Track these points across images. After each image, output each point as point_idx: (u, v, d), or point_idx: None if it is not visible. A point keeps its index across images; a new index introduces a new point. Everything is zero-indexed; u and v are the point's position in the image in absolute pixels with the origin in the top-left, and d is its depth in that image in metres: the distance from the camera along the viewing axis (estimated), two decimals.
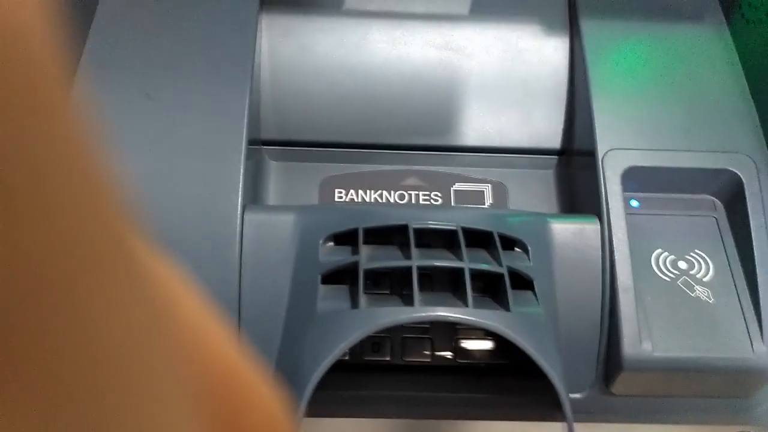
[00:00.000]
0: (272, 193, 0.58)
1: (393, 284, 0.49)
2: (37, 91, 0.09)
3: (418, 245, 0.48)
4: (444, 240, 0.49)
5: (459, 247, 0.47)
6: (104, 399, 0.10)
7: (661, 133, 0.54)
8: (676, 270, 0.53)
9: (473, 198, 0.59)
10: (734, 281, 0.52)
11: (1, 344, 0.09)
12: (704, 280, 0.52)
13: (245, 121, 0.52)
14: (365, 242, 0.48)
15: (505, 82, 0.59)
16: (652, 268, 0.53)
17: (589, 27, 0.57)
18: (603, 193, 0.52)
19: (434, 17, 0.59)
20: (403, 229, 0.48)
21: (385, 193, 0.58)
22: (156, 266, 0.14)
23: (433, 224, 0.48)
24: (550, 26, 0.59)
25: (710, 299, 0.51)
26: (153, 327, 0.12)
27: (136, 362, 0.11)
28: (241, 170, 0.51)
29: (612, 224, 0.51)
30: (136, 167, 0.50)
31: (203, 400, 0.16)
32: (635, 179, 0.54)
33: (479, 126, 0.59)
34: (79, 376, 0.10)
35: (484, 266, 0.46)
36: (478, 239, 0.50)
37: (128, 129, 0.51)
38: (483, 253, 0.49)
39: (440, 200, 0.59)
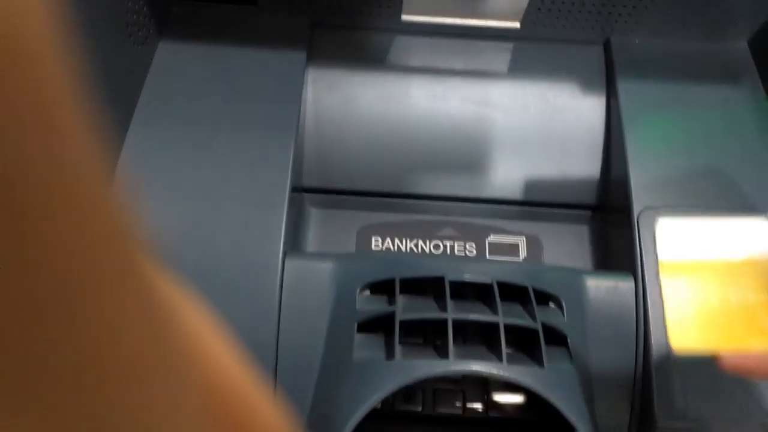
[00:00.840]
0: (312, 239, 0.60)
1: (427, 334, 0.50)
2: (44, 108, 0.09)
3: (454, 297, 0.49)
4: (479, 292, 0.50)
5: (494, 300, 0.48)
6: (116, 411, 0.11)
7: (695, 193, 0.54)
8: None
9: (508, 250, 0.60)
10: None
11: (18, 356, 0.09)
12: None
13: (290, 171, 0.54)
14: (401, 292, 0.50)
15: (542, 137, 0.60)
16: None
17: (625, 86, 0.59)
18: (638, 252, 0.53)
19: (473, 73, 0.61)
20: (440, 280, 0.49)
21: (420, 242, 0.60)
22: (164, 287, 0.14)
23: (468, 277, 0.49)
24: (586, 85, 0.60)
25: None
26: (161, 344, 0.12)
27: (145, 376, 0.11)
28: (284, 218, 0.52)
29: (647, 283, 0.52)
30: (184, 213, 0.52)
31: (210, 414, 0.16)
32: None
33: (515, 179, 0.60)
34: (91, 390, 0.10)
35: (518, 321, 0.47)
36: (513, 293, 0.50)
37: (179, 176, 0.54)
38: (518, 307, 0.50)
39: (475, 251, 0.60)
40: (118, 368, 0.11)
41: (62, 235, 0.09)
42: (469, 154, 0.60)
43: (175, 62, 0.59)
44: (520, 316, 0.48)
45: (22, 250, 0.09)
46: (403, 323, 0.47)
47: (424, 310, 0.48)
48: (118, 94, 0.55)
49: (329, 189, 0.60)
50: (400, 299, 0.49)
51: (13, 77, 0.08)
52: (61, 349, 0.09)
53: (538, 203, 0.61)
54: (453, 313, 0.47)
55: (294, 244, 0.57)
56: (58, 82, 0.09)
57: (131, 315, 0.11)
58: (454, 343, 0.45)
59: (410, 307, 0.48)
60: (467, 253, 0.60)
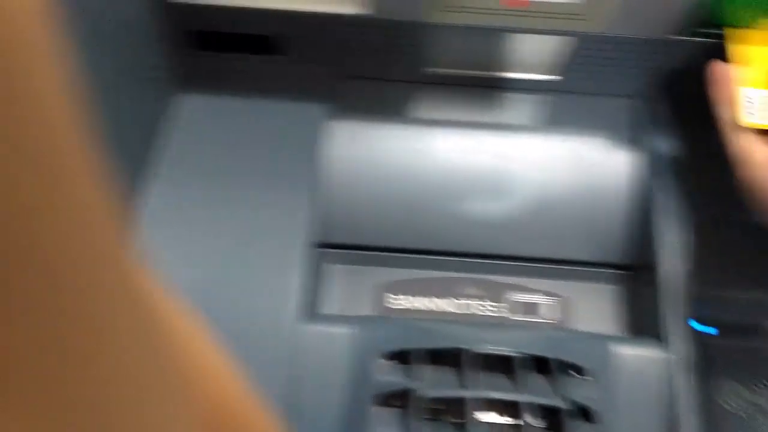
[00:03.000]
0: (331, 297, 0.59)
1: (447, 406, 0.48)
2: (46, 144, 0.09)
3: (475, 365, 0.48)
4: (502, 361, 0.49)
5: (515, 372, 0.46)
6: (115, 424, 0.11)
7: (729, 258, 0.52)
8: (745, 402, 0.50)
9: (532, 310, 0.58)
10: None
11: (23, 377, 0.09)
12: None
13: (306, 229, 0.53)
14: (420, 361, 0.48)
15: (568, 194, 0.58)
16: (722, 401, 0.50)
17: (654, 144, 0.57)
18: (667, 318, 0.51)
19: (498, 127, 0.60)
20: (459, 351, 0.48)
21: (441, 301, 0.58)
22: (164, 305, 0.15)
23: (490, 349, 0.48)
24: (613, 140, 0.58)
25: None
26: (160, 360, 0.13)
27: (145, 391, 0.12)
28: (299, 280, 0.51)
29: (675, 352, 0.50)
30: (195, 272, 0.51)
31: (208, 428, 0.16)
32: (701, 304, 0.52)
33: (540, 237, 0.59)
34: (91, 404, 0.11)
35: (541, 400, 0.45)
36: (536, 363, 0.49)
37: (193, 233, 0.53)
38: (541, 380, 0.48)
39: (497, 311, 0.58)
40: (117, 383, 0.11)
41: (67, 258, 0.10)
42: (493, 209, 0.59)
43: (196, 115, 0.58)
44: (543, 390, 0.47)
45: (27, 275, 0.09)
46: (421, 398, 0.45)
47: (442, 385, 0.46)
48: (136, 146, 0.55)
49: (350, 245, 0.59)
50: (418, 372, 0.47)
51: (18, 119, 0.09)
52: (62, 363, 0.10)
53: (563, 261, 0.59)
54: (472, 389, 0.45)
55: (313, 302, 0.56)
56: (62, 125, 0.10)
57: (132, 333, 0.12)
58: (476, 412, 0.44)
59: (428, 381, 0.46)
60: (490, 311, 0.58)
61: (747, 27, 0.47)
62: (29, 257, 0.09)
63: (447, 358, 0.49)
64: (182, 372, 0.14)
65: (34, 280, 0.09)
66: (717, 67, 0.46)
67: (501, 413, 0.47)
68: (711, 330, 0.52)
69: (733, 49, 0.47)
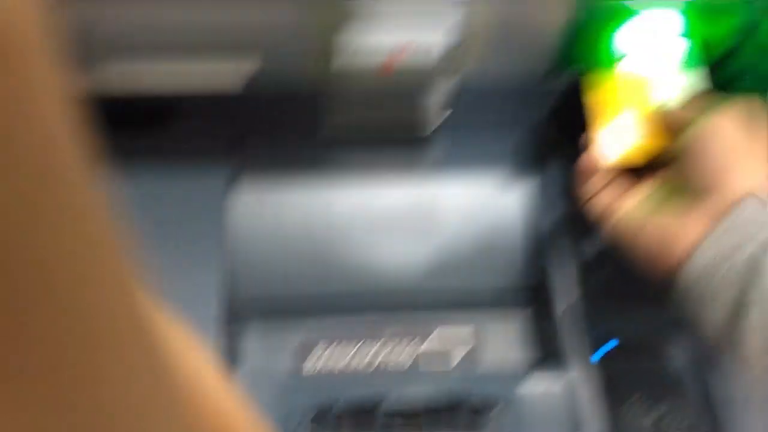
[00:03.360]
0: (250, 356, 0.59)
1: None
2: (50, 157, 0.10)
3: (390, 422, 0.50)
4: (412, 416, 0.50)
5: (427, 423, 0.48)
6: None
7: (620, 283, 0.55)
8: (649, 418, 0.53)
9: (445, 351, 0.60)
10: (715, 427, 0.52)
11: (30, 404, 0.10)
12: (680, 427, 0.53)
13: (218, 292, 0.54)
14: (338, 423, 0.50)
15: (468, 233, 0.60)
16: (626, 418, 0.53)
17: (543, 179, 0.59)
18: (567, 346, 0.53)
19: (396, 178, 0.61)
20: (374, 409, 0.49)
21: (358, 353, 0.59)
22: (166, 327, 0.16)
23: (401, 407, 0.49)
24: (505, 181, 0.60)
25: None
26: (164, 388, 0.13)
27: (149, 419, 0.12)
28: (214, 344, 0.52)
29: (578, 377, 0.52)
30: None
31: None
32: (599, 328, 0.55)
33: (446, 278, 0.60)
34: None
35: None
36: (449, 408, 0.51)
37: None
38: (452, 427, 0.50)
39: (413, 353, 0.59)
40: (123, 412, 0.11)
41: (74, 288, 0.10)
42: (400, 258, 0.60)
43: None
44: None
45: (36, 304, 0.09)
46: None
47: None
48: None
49: (263, 308, 0.60)
50: None
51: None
52: (65, 384, 0.10)
53: (471, 300, 0.61)
54: None
55: (230, 366, 0.56)
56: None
57: (138, 362, 0.12)
58: None
59: None
60: (406, 356, 0.59)
61: (602, 68, 0.50)
62: (29, 272, 0.09)
63: (363, 415, 0.50)
64: (187, 401, 0.15)
65: (34, 298, 0.09)
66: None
67: None
68: (609, 347, 0.55)
69: (592, 92, 0.50)
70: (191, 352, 0.18)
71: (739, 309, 0.40)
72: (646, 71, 0.50)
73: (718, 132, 0.43)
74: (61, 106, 0.10)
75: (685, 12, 0.49)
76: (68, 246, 0.10)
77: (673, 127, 0.46)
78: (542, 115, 0.57)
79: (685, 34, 0.50)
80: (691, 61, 0.50)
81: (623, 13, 0.49)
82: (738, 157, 0.42)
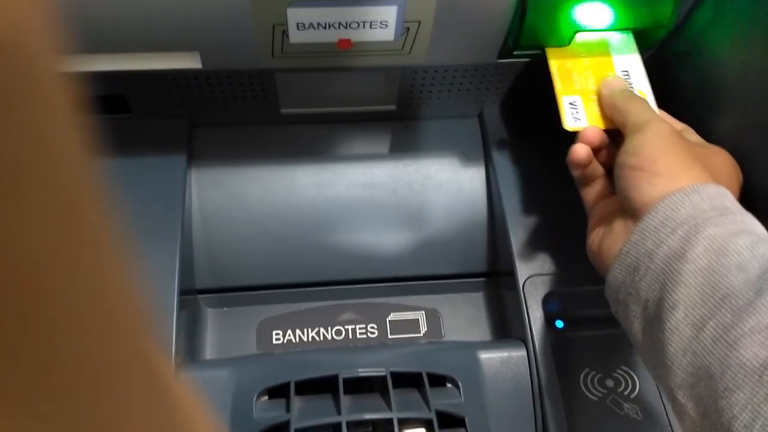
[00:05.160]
0: (210, 340, 0.59)
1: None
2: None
3: (351, 390, 0.50)
4: (377, 382, 0.51)
5: (388, 393, 0.49)
6: None
7: (577, 256, 0.57)
8: (604, 389, 0.55)
9: (408, 327, 0.61)
10: (660, 396, 0.54)
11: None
12: (632, 397, 0.54)
13: (176, 277, 0.53)
14: (299, 393, 0.50)
15: (428, 212, 0.61)
16: (581, 389, 0.54)
17: (499, 156, 0.61)
18: (526, 319, 0.54)
19: (356, 157, 0.62)
20: (334, 378, 0.49)
21: (322, 330, 0.60)
22: (170, 377, 0.15)
23: (362, 372, 0.50)
24: (465, 158, 0.62)
25: (638, 416, 0.53)
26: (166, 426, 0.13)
27: None
28: (174, 328, 0.52)
29: (538, 349, 0.53)
30: None
31: None
32: (557, 301, 0.56)
33: (408, 256, 0.61)
34: None
35: (412, 414, 0.47)
36: (410, 379, 0.51)
37: None
38: (415, 395, 0.51)
39: (377, 332, 0.60)
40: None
41: (81, 322, 0.10)
42: (360, 236, 0.61)
43: None
44: (415, 405, 0.49)
45: (41, 333, 0.09)
46: (300, 429, 0.47)
47: (319, 413, 0.48)
48: None
49: (224, 287, 0.60)
50: (297, 403, 0.49)
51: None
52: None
53: (433, 276, 0.62)
54: (347, 413, 0.47)
55: (190, 349, 0.56)
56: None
57: (140, 402, 0.12)
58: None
59: (306, 412, 0.48)
60: (369, 334, 0.60)
61: (560, 45, 0.52)
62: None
63: (325, 386, 0.50)
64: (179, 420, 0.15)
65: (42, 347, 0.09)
66: (578, 158, 0.47)
67: (381, 428, 0.49)
68: (560, 324, 0.57)
69: (552, 65, 0.52)
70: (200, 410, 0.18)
71: (660, 312, 0.38)
72: (604, 44, 0.52)
73: (656, 133, 0.42)
74: (69, 122, 0.11)
75: None
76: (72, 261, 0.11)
77: (615, 117, 0.47)
78: (503, 92, 0.59)
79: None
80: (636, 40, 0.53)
81: None
82: (667, 161, 0.41)
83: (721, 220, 0.38)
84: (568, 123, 0.49)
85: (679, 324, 0.36)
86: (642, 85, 0.51)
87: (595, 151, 0.48)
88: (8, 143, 0.09)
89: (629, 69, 0.52)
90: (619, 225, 0.43)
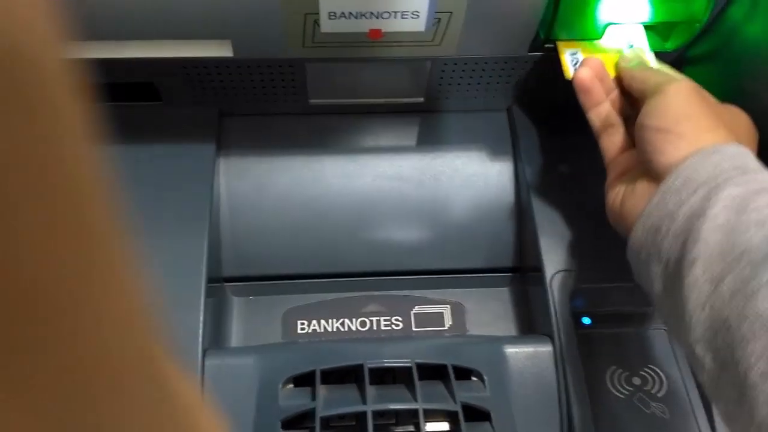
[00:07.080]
0: (236, 328, 0.60)
1: (356, 422, 0.50)
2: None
3: (377, 381, 0.50)
4: (402, 373, 0.51)
5: (414, 384, 0.49)
6: None
7: (604, 253, 0.56)
8: (630, 387, 0.54)
9: (433, 320, 0.61)
10: (688, 395, 0.53)
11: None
12: (659, 395, 0.54)
13: (204, 265, 0.54)
14: (325, 382, 0.50)
15: (455, 205, 0.61)
16: (607, 386, 0.54)
17: (528, 151, 0.60)
18: (553, 315, 0.54)
19: (384, 149, 0.62)
20: (360, 368, 0.49)
21: (347, 321, 0.60)
22: (175, 379, 0.15)
23: (387, 363, 0.50)
24: (493, 152, 0.62)
25: (665, 415, 0.52)
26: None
27: None
28: (201, 316, 0.52)
29: (564, 345, 0.53)
30: None
31: None
32: (584, 298, 0.56)
33: (434, 249, 0.61)
34: None
35: (438, 406, 0.47)
36: (435, 371, 0.51)
37: None
38: (439, 387, 0.50)
39: (401, 324, 0.60)
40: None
41: (87, 324, 0.10)
42: (386, 229, 0.61)
43: None
44: (441, 397, 0.49)
45: (46, 339, 0.09)
46: (325, 417, 0.47)
47: (344, 402, 0.48)
48: None
49: (251, 276, 0.60)
50: (322, 391, 0.49)
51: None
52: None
53: (459, 270, 0.62)
54: (373, 403, 0.47)
55: (218, 335, 0.57)
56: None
57: (144, 404, 0.12)
58: (382, 422, 0.46)
59: (332, 401, 0.48)
60: (393, 327, 0.60)
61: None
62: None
63: (350, 375, 0.51)
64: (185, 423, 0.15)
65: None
66: (582, 76, 0.48)
67: (405, 423, 0.49)
68: (587, 320, 0.56)
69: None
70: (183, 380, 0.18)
71: (680, 269, 0.38)
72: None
73: (678, 93, 0.42)
74: (80, 131, 0.10)
75: None
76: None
77: (634, 87, 0.47)
78: (533, 86, 0.58)
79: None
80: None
81: None
82: (691, 122, 0.41)
83: (742, 179, 0.38)
84: (571, 72, 0.49)
85: (698, 280, 0.36)
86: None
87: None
88: (14, 142, 0.09)
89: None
90: (641, 186, 0.43)
